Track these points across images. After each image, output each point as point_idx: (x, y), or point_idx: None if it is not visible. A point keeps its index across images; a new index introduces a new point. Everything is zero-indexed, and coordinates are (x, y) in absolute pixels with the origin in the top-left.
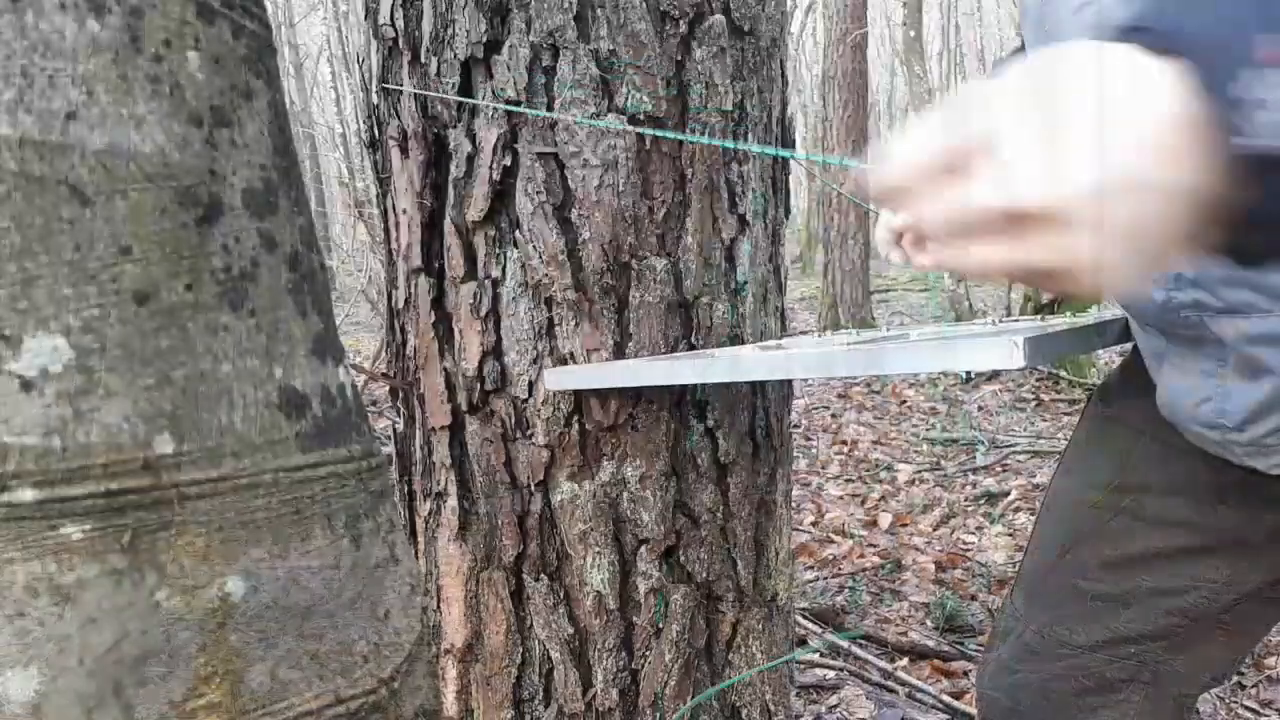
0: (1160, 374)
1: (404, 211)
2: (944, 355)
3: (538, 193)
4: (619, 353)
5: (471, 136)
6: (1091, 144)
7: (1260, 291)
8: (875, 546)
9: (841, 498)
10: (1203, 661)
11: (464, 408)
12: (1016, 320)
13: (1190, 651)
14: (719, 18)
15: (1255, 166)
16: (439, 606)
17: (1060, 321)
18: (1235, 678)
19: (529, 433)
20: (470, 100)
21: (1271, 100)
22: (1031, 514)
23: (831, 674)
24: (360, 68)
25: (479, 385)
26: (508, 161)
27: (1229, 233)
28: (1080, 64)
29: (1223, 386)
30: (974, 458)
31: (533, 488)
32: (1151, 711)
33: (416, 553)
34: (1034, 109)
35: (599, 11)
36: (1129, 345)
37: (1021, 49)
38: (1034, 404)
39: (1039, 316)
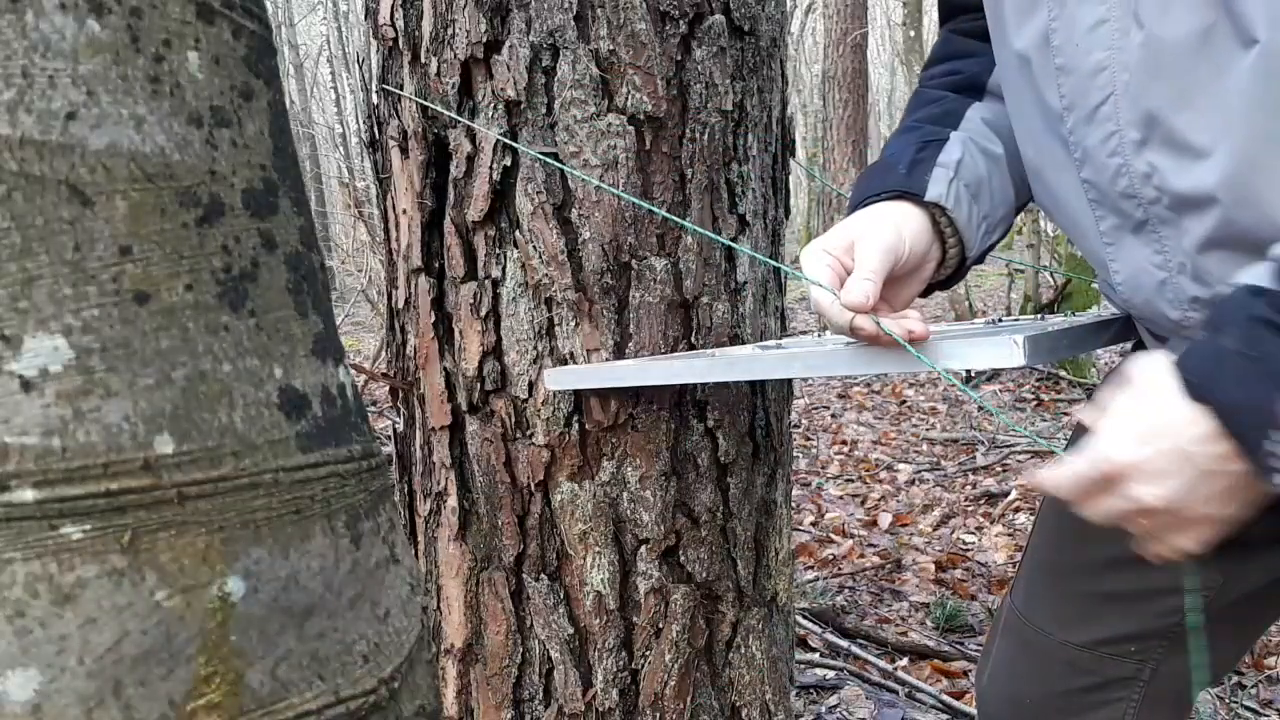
0: None
1: (404, 211)
2: (945, 354)
3: (538, 193)
4: (619, 353)
5: (471, 136)
6: (1180, 487)
7: None
8: (875, 546)
9: (841, 498)
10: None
11: (464, 408)
12: (1016, 319)
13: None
14: (719, 18)
15: None
16: (439, 606)
17: (1060, 320)
18: (1235, 677)
19: (529, 433)
20: (461, 120)
21: None
22: (1031, 514)
23: (831, 674)
24: (360, 68)
25: (479, 385)
26: (508, 161)
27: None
28: (1171, 424)
29: None
30: (974, 458)
31: (533, 488)
32: (1151, 709)
33: (416, 553)
34: (1151, 467)
35: (599, 11)
36: (1129, 345)
37: (959, 44)
38: (1034, 404)
39: (1038, 316)
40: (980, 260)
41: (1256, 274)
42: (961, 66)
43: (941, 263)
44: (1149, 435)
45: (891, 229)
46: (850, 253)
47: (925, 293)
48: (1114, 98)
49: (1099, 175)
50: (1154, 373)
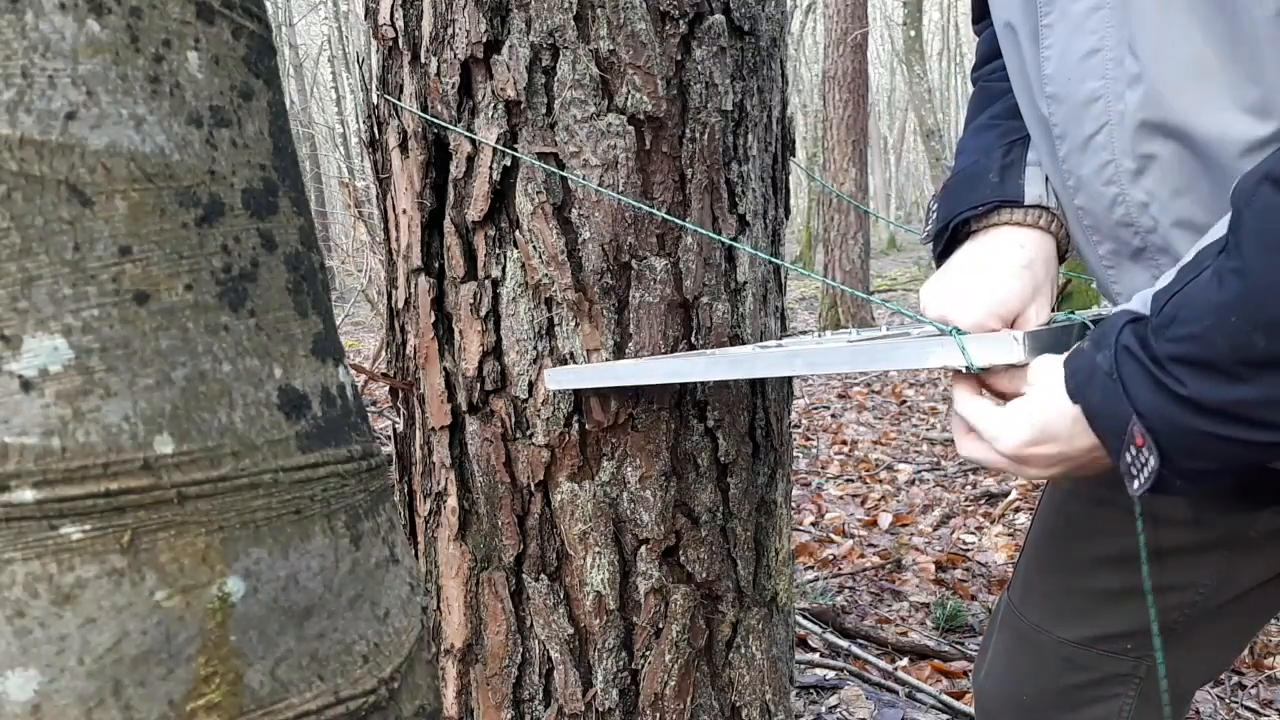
0: None
1: (404, 211)
2: (948, 350)
3: (538, 193)
4: (619, 353)
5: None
6: (1058, 473)
7: None
8: (875, 546)
9: (841, 498)
10: (1199, 656)
11: (464, 408)
12: None
13: (1187, 646)
14: (719, 18)
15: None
16: (439, 606)
17: (1060, 318)
18: (1235, 678)
19: (529, 433)
20: (455, 128)
21: (1142, 467)
22: (1031, 514)
23: (831, 674)
24: (360, 68)
25: (479, 385)
26: (507, 162)
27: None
28: (1056, 421)
29: None
30: None
31: (533, 488)
32: (1147, 705)
33: (416, 553)
34: (1039, 461)
35: (599, 11)
36: None
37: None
38: None
39: None
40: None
41: (1140, 298)
42: None
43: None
44: (1040, 433)
45: (1000, 283)
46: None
47: None
48: (1109, 127)
49: (1094, 203)
50: (1048, 368)
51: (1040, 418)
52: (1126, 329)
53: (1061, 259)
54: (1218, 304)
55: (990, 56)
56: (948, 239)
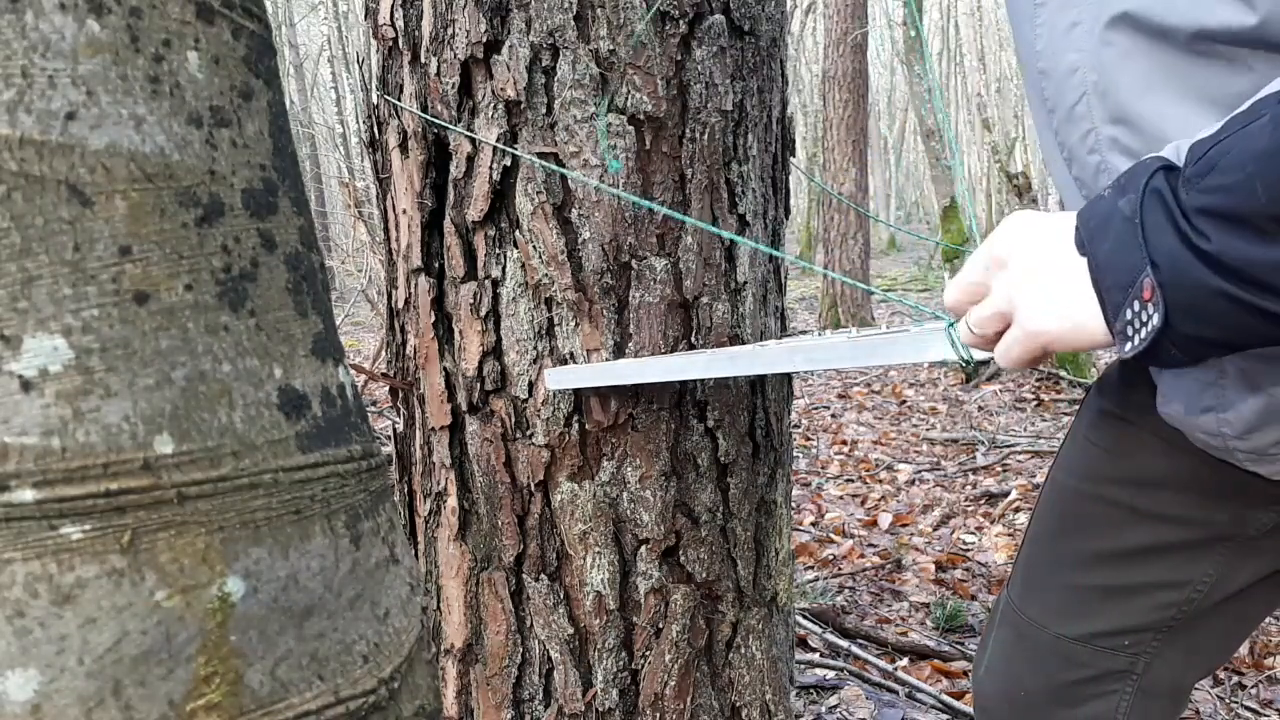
0: (1161, 380)
1: (404, 211)
2: (946, 345)
3: (538, 193)
4: (619, 353)
5: (471, 137)
6: (1039, 302)
7: None
8: (875, 546)
9: (841, 498)
10: (1198, 652)
11: (464, 408)
12: None
13: (1185, 643)
14: (719, 18)
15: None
16: (439, 606)
17: None
18: (1235, 678)
19: (529, 433)
20: (455, 128)
21: (1141, 325)
22: (1031, 513)
23: (831, 674)
24: (360, 68)
25: (479, 385)
26: (507, 161)
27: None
28: (1040, 249)
29: (1223, 396)
30: (974, 458)
31: (533, 488)
32: (1145, 702)
33: (416, 553)
34: (1018, 279)
35: (599, 11)
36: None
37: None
38: (1034, 404)
39: None
40: None
41: (1174, 148)
42: None
43: None
44: (1033, 269)
45: None
46: None
47: None
48: (1087, 96)
49: (1084, 173)
50: (1058, 221)
51: (1036, 262)
52: (1159, 174)
53: None
54: (1264, 150)
55: None
56: None
